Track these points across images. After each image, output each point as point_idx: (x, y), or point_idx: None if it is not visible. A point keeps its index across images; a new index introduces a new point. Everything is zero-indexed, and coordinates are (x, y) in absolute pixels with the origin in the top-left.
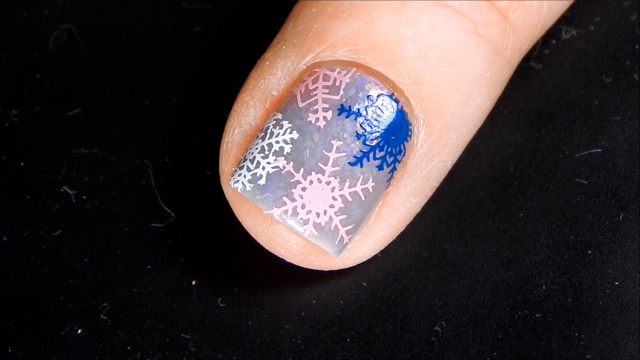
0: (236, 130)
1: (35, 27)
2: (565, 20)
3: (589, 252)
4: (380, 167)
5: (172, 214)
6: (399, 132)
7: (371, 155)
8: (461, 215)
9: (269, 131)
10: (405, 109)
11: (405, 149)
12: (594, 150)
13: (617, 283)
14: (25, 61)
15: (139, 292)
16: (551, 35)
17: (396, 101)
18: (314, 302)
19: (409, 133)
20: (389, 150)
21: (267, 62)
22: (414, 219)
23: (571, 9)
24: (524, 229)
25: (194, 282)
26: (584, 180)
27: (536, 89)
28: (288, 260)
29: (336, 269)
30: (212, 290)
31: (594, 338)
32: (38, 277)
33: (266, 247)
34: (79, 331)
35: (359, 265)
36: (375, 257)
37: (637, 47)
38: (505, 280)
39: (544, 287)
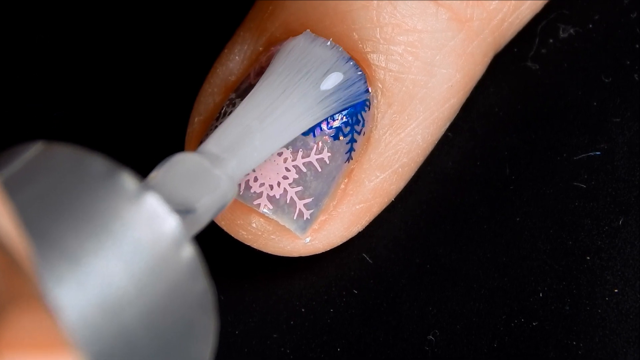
0: (195, 119)
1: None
2: (563, 18)
3: (588, 258)
4: (335, 137)
5: None
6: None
7: (324, 124)
8: (455, 220)
9: (222, 112)
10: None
11: (363, 119)
12: (592, 153)
13: (616, 290)
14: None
15: None
16: (548, 34)
17: None
18: (303, 310)
19: (367, 103)
20: (344, 119)
21: (225, 50)
22: (407, 223)
23: (569, 7)
24: (521, 233)
25: None
26: (582, 184)
27: (533, 90)
28: (252, 246)
29: (308, 253)
30: None
31: (593, 347)
32: None
33: (228, 232)
34: None
35: (349, 271)
36: (366, 263)
37: (637, 46)
38: (501, 286)
39: (541, 294)
